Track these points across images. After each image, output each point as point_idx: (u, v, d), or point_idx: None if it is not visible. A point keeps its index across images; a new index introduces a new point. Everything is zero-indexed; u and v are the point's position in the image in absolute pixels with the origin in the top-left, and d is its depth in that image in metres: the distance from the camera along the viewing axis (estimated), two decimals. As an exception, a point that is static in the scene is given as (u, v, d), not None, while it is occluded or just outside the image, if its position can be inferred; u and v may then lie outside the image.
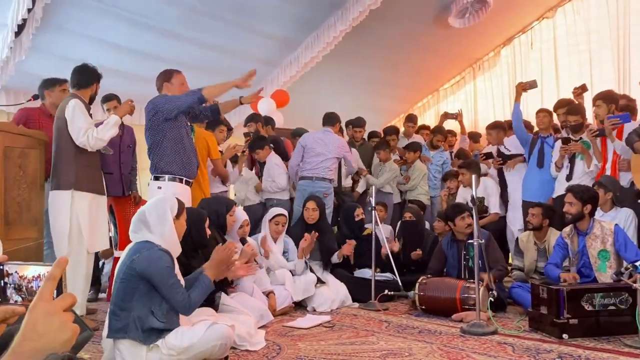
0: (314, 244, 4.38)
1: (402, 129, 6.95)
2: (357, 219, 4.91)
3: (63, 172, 3.53)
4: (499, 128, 5.59)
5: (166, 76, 3.69)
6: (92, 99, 3.75)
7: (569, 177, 4.62)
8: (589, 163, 4.53)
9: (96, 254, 4.43)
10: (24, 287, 1.16)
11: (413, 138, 6.70)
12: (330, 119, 5.41)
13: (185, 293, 2.41)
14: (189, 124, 3.80)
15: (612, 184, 4.08)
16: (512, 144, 5.43)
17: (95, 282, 4.70)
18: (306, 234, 4.32)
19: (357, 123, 6.28)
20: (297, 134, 6.06)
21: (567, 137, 4.72)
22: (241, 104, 4.04)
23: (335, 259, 4.61)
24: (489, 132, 5.60)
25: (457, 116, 6.91)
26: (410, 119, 6.98)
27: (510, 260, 5.24)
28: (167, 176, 3.58)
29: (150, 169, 3.64)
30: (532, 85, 5.13)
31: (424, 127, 7.12)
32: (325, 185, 5.14)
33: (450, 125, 7.29)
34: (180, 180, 3.63)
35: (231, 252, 2.69)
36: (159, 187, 3.56)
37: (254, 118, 5.78)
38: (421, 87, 9.64)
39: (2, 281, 1.18)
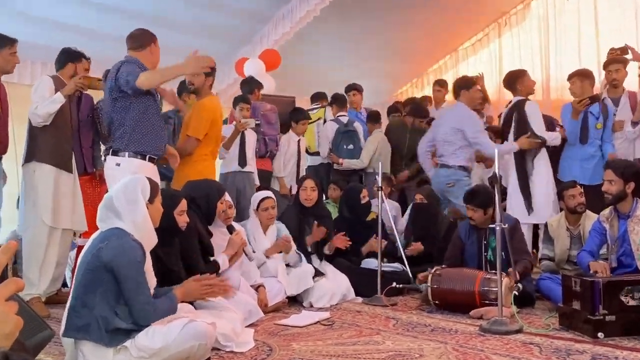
0: (317, 233, 4.44)
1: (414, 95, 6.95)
2: (363, 202, 4.90)
3: (28, 144, 4.07)
4: (584, 77, 5.10)
5: (148, 39, 3.76)
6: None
7: None
8: None
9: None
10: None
11: (440, 107, 6.79)
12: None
13: (151, 298, 2.41)
14: (158, 95, 3.90)
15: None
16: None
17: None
18: (283, 236, 4.30)
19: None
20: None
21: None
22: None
23: (325, 249, 4.62)
24: (573, 80, 5.16)
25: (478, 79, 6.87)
26: (439, 82, 7.08)
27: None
28: (127, 152, 3.64)
29: (107, 144, 3.74)
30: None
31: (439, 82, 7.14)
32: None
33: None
34: (143, 157, 3.66)
35: (214, 289, 2.73)
36: (117, 164, 3.63)
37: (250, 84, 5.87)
38: (437, 46, 9.56)
39: None
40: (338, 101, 6.42)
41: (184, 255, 3.13)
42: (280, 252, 4.27)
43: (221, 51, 7.31)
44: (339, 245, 4.57)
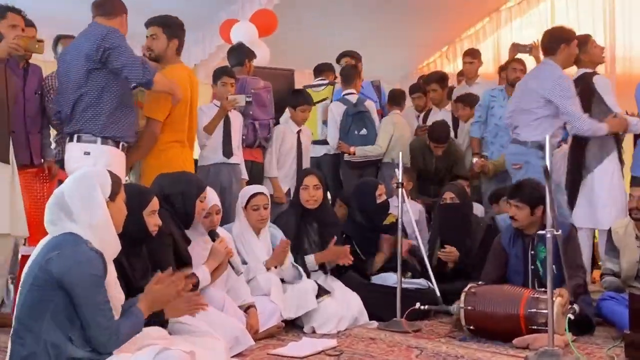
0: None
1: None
2: (379, 201, 4.91)
3: None
4: None
5: (121, 9, 4.06)
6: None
7: None
8: None
9: None
10: None
11: (473, 83, 6.81)
12: None
13: (113, 319, 2.41)
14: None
15: None
16: None
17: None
18: (281, 239, 4.32)
19: None
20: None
21: None
22: None
23: (311, 263, 4.54)
24: None
25: (530, 49, 6.87)
26: (471, 53, 7.12)
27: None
28: (99, 138, 3.76)
29: (69, 127, 3.79)
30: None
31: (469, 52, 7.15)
32: None
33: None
34: (117, 144, 3.76)
35: (179, 287, 2.71)
36: (87, 153, 3.70)
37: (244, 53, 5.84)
38: (473, 6, 9.53)
39: None
40: (346, 76, 6.38)
41: (155, 268, 3.13)
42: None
43: (202, 11, 7.32)
44: (340, 262, 4.55)
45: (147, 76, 3.89)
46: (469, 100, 6.52)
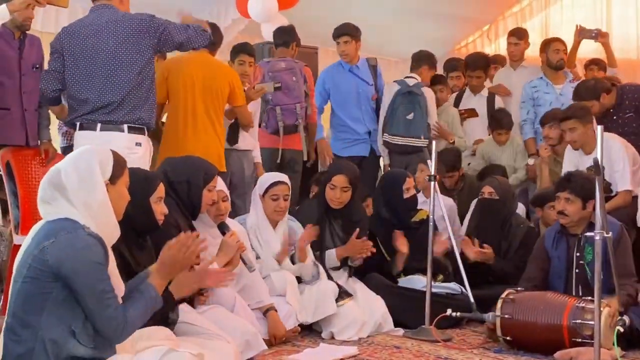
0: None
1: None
2: (406, 196, 4.91)
3: None
4: None
5: None
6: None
7: None
8: None
9: None
10: None
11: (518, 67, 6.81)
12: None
13: (120, 308, 2.44)
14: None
15: None
16: None
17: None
18: (308, 226, 4.36)
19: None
20: None
21: None
22: None
23: (333, 258, 4.59)
24: None
25: (597, 35, 6.84)
26: (517, 32, 7.09)
27: None
28: (145, 128, 4.13)
29: (114, 115, 4.03)
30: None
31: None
32: None
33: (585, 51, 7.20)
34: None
35: (191, 248, 2.72)
36: (138, 144, 4.03)
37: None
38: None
39: None
40: (416, 61, 6.42)
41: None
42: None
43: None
44: (362, 254, 4.56)
45: (206, 34, 4.22)
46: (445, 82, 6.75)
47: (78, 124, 4.12)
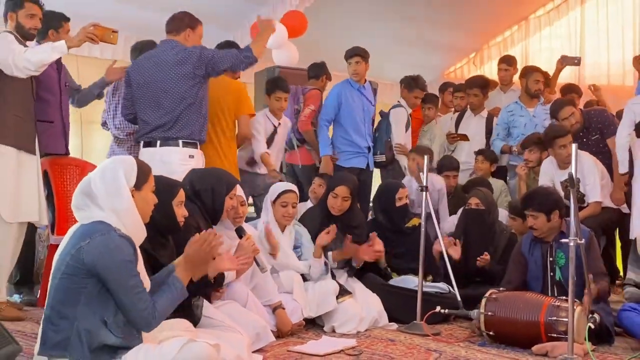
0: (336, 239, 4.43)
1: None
2: (398, 204, 4.93)
3: None
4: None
5: (192, 22, 4.42)
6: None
7: None
8: None
9: (32, 240, 4.60)
10: None
11: (508, 90, 6.89)
12: None
13: (150, 300, 2.46)
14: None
15: None
16: None
17: (28, 278, 4.82)
18: (333, 226, 4.37)
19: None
20: None
21: None
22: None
23: (330, 260, 4.58)
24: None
25: (579, 62, 6.87)
26: (507, 59, 7.13)
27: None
28: (197, 142, 4.34)
29: (170, 132, 4.23)
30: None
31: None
32: None
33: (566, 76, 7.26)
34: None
35: (212, 243, 2.74)
36: (191, 156, 4.23)
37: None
38: (502, 13, 9.49)
39: None
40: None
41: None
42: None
43: (233, 11, 7.38)
44: (367, 258, 4.58)
45: (250, 58, 4.34)
46: (435, 102, 6.80)
47: (142, 142, 4.38)
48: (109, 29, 4.23)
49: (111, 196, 2.50)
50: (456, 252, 4.74)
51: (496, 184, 6.01)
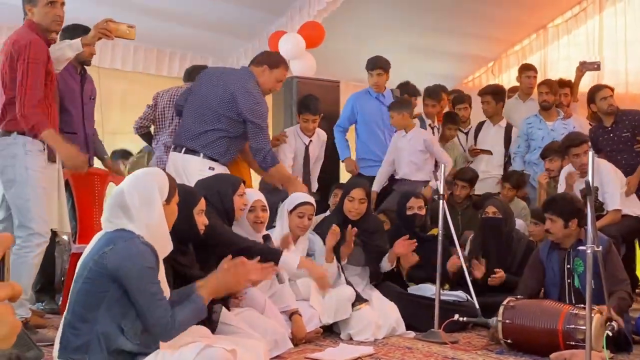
0: (352, 244, 4.43)
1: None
2: (408, 213, 4.96)
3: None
4: None
5: (275, 63, 4.55)
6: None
7: None
8: None
9: (52, 250, 4.67)
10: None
11: (527, 100, 6.81)
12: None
13: (169, 309, 2.49)
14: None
15: None
16: None
17: (49, 286, 4.89)
18: (334, 226, 4.34)
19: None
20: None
21: None
22: None
23: (386, 265, 4.64)
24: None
25: (598, 67, 6.82)
26: (529, 67, 7.07)
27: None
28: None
29: (194, 143, 4.36)
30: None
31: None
32: None
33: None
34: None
35: (244, 276, 2.78)
36: (211, 168, 4.28)
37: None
38: (520, 22, 9.49)
39: None
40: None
41: (202, 266, 3.23)
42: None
43: (252, 23, 7.45)
44: (400, 252, 4.58)
45: (267, 161, 4.45)
46: (455, 120, 6.65)
47: (172, 145, 4.61)
48: (123, 24, 3.96)
49: (145, 210, 2.54)
50: (480, 271, 4.75)
51: (518, 204, 5.99)
